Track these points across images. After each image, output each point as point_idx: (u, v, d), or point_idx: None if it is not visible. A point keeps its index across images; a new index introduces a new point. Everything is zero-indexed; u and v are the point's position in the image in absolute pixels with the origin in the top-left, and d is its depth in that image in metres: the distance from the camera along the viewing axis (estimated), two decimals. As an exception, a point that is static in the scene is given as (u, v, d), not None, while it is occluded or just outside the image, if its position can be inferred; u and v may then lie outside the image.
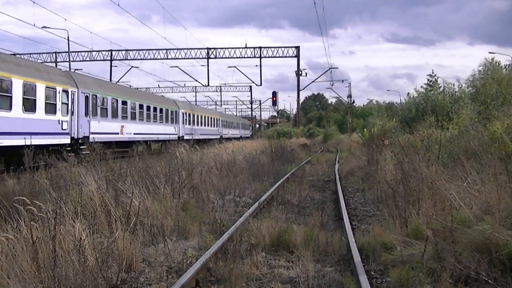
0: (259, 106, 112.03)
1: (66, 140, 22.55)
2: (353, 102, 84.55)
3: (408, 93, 77.02)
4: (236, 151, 25.64)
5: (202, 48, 54.81)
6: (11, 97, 18.62)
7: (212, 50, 54.64)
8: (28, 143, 17.03)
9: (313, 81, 63.27)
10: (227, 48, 54.53)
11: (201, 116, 50.23)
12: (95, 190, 9.27)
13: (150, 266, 7.63)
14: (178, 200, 11.32)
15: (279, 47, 54.84)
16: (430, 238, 6.85)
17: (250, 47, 54.14)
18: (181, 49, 54.57)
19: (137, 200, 9.33)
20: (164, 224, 9.44)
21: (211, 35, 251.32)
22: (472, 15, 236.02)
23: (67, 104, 22.66)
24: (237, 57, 54.23)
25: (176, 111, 40.62)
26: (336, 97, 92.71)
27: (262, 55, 54.09)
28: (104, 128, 26.24)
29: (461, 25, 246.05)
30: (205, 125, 51.52)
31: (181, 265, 7.59)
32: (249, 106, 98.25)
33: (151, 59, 54.39)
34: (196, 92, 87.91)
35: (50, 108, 21.28)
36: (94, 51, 54.54)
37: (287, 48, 54.51)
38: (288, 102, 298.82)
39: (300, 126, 75.31)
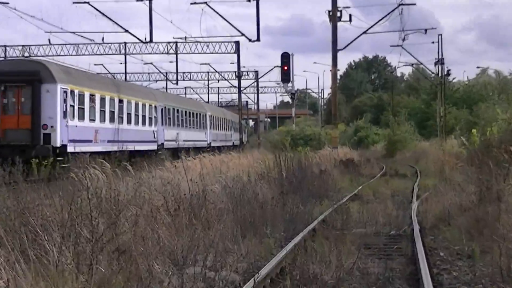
0: (256, 84, 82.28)
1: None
2: (448, 73, 66.92)
3: None
4: (208, 175, 20.62)
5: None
6: (144, 116, 42.45)
7: None
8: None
9: (364, 32, 46.86)
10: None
11: (224, 120, 76.75)
12: None
13: None
14: (89, 277, 9.78)
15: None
16: None
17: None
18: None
19: (3, 278, 8.67)
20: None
21: None
22: None
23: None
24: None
25: (205, 117, 64.57)
26: (412, 65, 73.04)
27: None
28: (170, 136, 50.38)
29: None
30: (223, 130, 76.44)
31: None
32: (235, 84, 70.94)
33: None
34: (126, 54, 64.50)
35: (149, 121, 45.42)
36: None
37: None
38: (314, 75, 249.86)
39: (339, 124, 60.07)
